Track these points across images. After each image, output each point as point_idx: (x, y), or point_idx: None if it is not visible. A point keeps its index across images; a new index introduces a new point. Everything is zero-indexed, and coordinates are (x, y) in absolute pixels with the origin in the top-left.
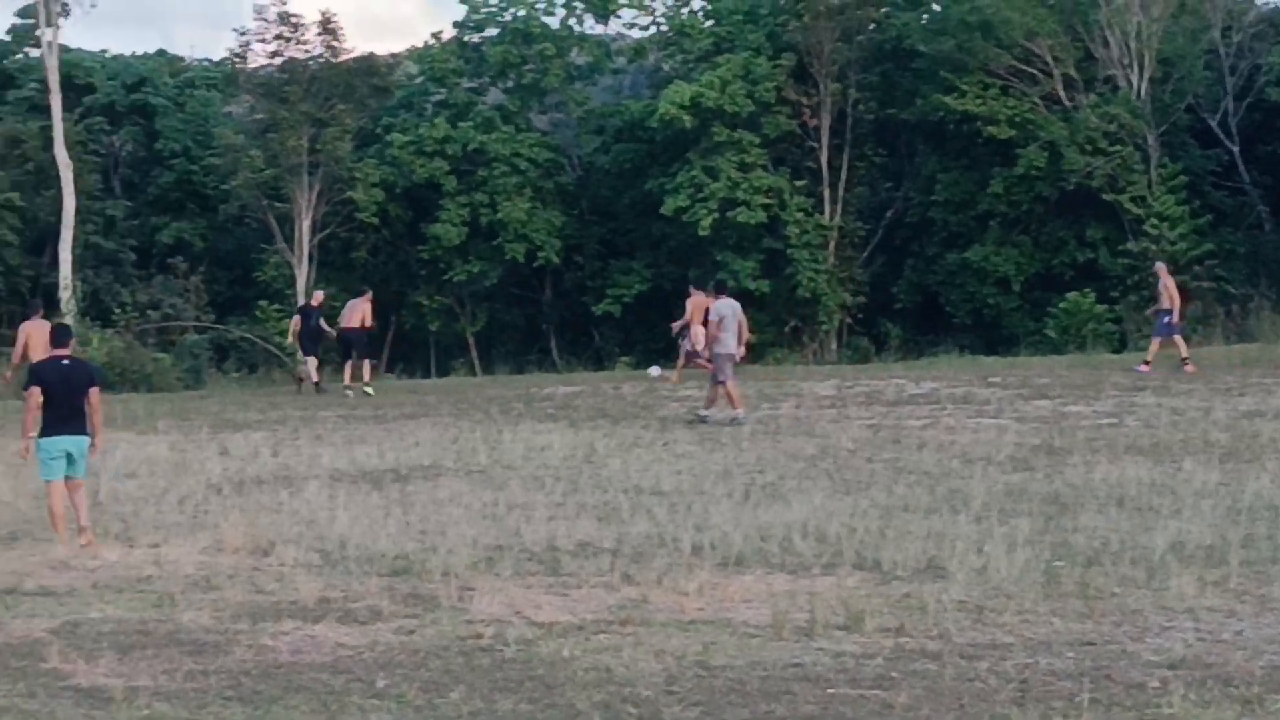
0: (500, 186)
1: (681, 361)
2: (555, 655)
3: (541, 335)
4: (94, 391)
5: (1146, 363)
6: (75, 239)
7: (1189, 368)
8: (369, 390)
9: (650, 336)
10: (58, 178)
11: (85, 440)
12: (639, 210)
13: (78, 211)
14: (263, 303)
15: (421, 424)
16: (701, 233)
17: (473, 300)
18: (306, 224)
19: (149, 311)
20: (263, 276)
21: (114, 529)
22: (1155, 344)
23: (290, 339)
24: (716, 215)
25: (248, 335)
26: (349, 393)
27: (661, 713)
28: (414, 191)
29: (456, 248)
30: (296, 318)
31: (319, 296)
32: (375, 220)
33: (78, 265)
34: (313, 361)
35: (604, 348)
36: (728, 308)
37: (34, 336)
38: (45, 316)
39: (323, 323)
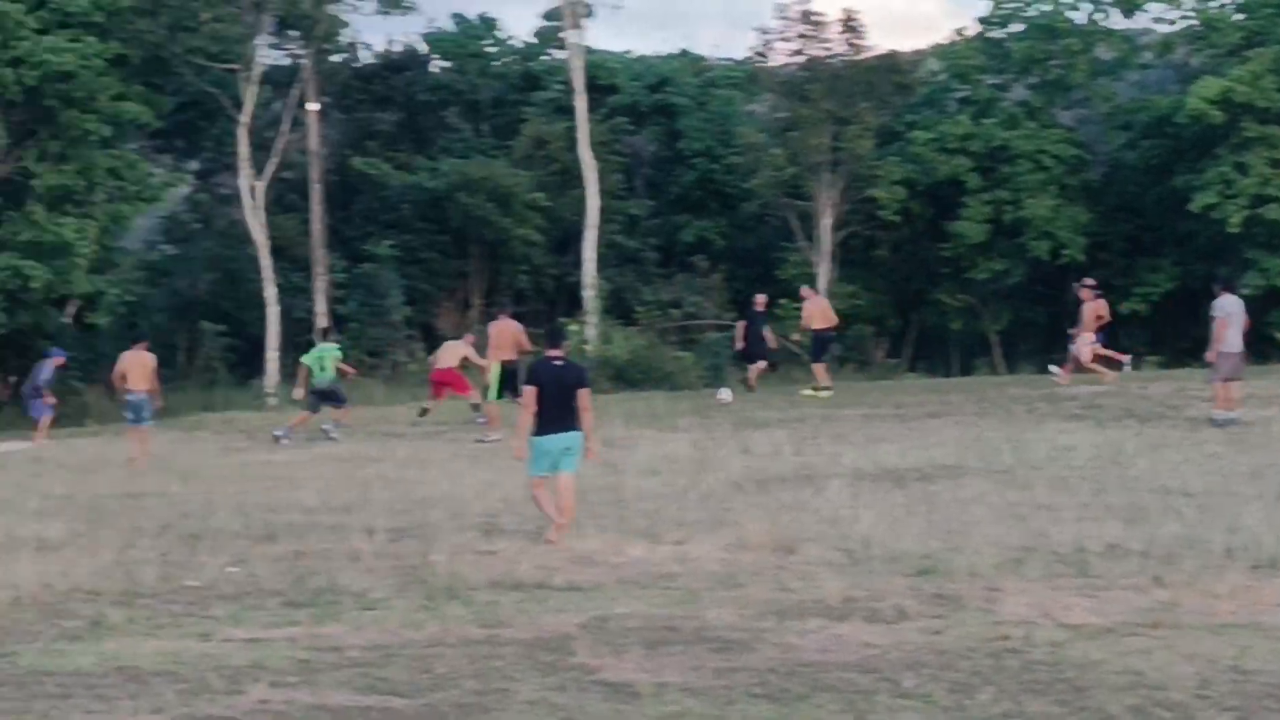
0: (1024, 183)
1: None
2: (1085, 658)
3: (1064, 334)
4: (583, 393)
5: None
6: (599, 238)
7: None
8: None
9: (1177, 335)
10: (582, 178)
11: (577, 435)
12: (1165, 207)
13: (601, 211)
14: (783, 301)
15: (944, 423)
16: (1230, 230)
17: (995, 298)
18: (827, 222)
19: (670, 310)
20: (783, 275)
21: (638, 526)
22: None
23: (739, 344)
24: (1246, 212)
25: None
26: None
27: (1195, 717)
28: (935, 189)
29: (979, 245)
30: (743, 323)
31: (762, 300)
32: (897, 218)
33: (601, 264)
34: (755, 367)
35: (1130, 347)
36: (1234, 305)
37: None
38: (564, 315)
39: (767, 330)
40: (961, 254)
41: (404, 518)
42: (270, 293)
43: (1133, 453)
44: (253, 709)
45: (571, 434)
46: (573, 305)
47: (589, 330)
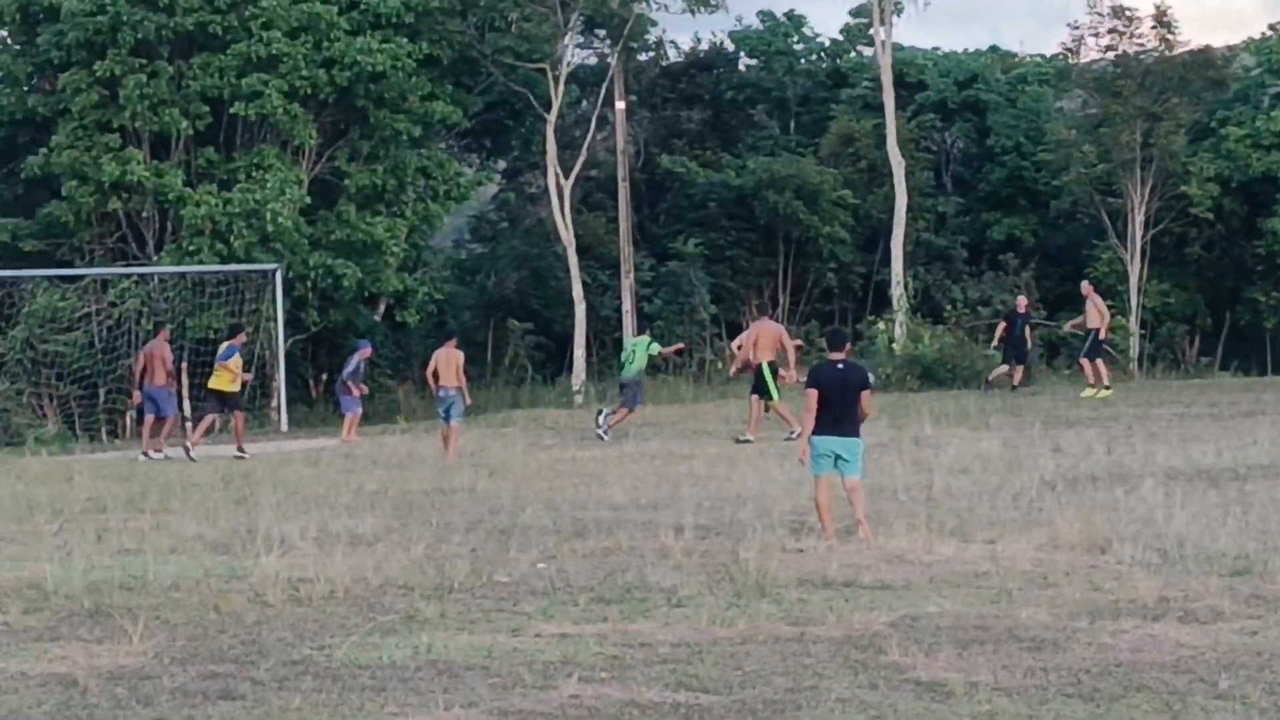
0: None
1: None
2: None
3: None
4: (865, 395)
5: None
6: (906, 236)
7: None
8: None
9: None
10: (889, 175)
11: (856, 442)
12: None
13: (909, 208)
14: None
15: (1259, 422)
16: None
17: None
18: (1138, 219)
19: (979, 308)
20: (1094, 273)
21: (948, 524)
22: None
23: (996, 343)
24: None
25: (1076, 331)
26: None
27: None
28: (1249, 185)
29: None
30: (1004, 323)
31: (1024, 302)
32: (1209, 215)
33: (909, 262)
34: (1014, 369)
35: None
36: None
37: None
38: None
39: (1028, 330)
40: (1276, 251)
41: (713, 515)
42: (577, 291)
43: None
44: (564, 704)
45: (849, 440)
46: (880, 303)
47: (897, 328)
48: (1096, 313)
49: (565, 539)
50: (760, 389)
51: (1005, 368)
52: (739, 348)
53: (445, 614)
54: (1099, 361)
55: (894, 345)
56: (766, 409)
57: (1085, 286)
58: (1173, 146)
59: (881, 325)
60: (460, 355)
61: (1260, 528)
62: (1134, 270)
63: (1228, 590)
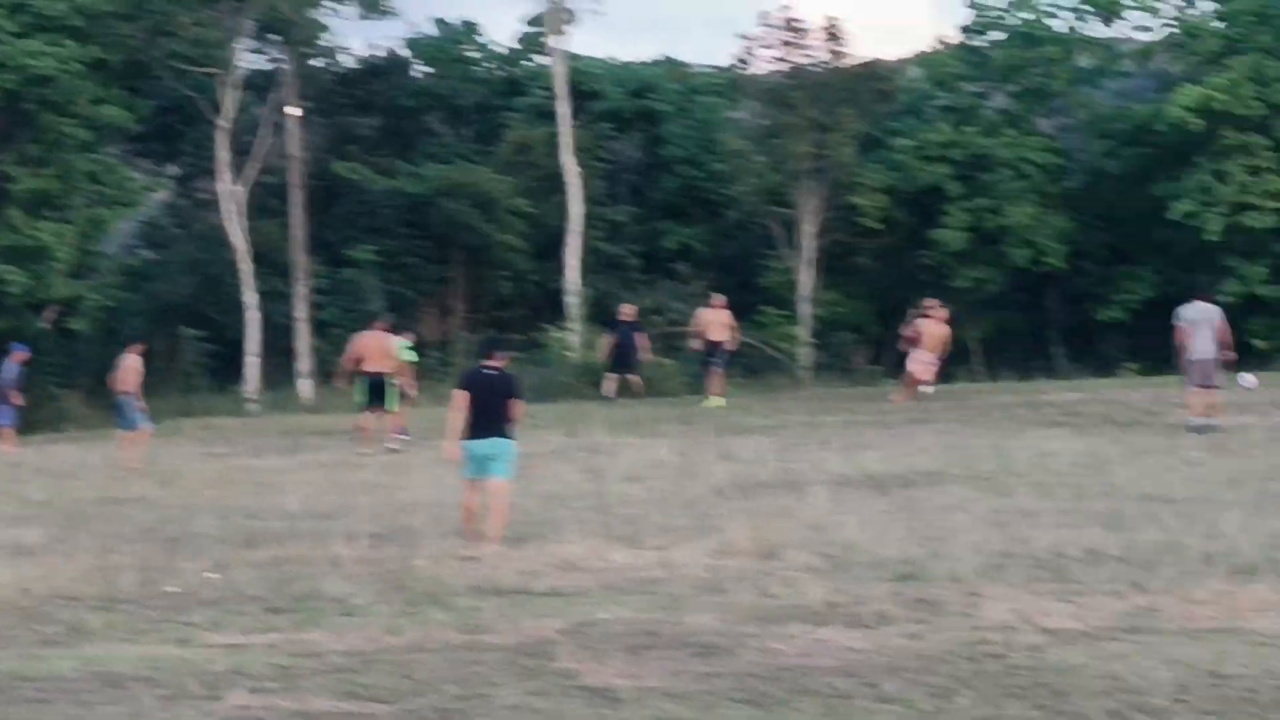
0: (1004, 191)
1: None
2: (1064, 663)
3: (1045, 341)
4: (513, 402)
5: None
6: (581, 245)
7: None
8: None
9: (1157, 343)
10: (564, 184)
11: (505, 443)
12: (1145, 215)
13: (584, 217)
14: (766, 308)
15: (926, 430)
16: (1209, 237)
17: (976, 306)
18: (809, 229)
19: (653, 317)
20: (766, 282)
21: (621, 531)
22: None
23: (603, 354)
24: (1225, 220)
25: (751, 341)
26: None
27: None
28: (917, 196)
29: (959, 253)
30: (609, 335)
31: (629, 310)
32: (878, 226)
33: (584, 270)
34: (617, 378)
35: (1109, 354)
36: (1196, 312)
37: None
38: (547, 321)
39: (636, 338)
40: (942, 261)
41: (386, 523)
42: (250, 298)
43: (1113, 459)
44: (232, 714)
45: (498, 441)
46: (555, 311)
47: (572, 336)
48: (715, 325)
49: (236, 548)
50: (376, 399)
51: (633, 376)
52: (358, 360)
53: (112, 625)
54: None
55: (569, 353)
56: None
57: (716, 299)
58: (842, 158)
59: (556, 334)
60: (137, 361)
61: (926, 533)
62: (804, 279)
63: (894, 595)
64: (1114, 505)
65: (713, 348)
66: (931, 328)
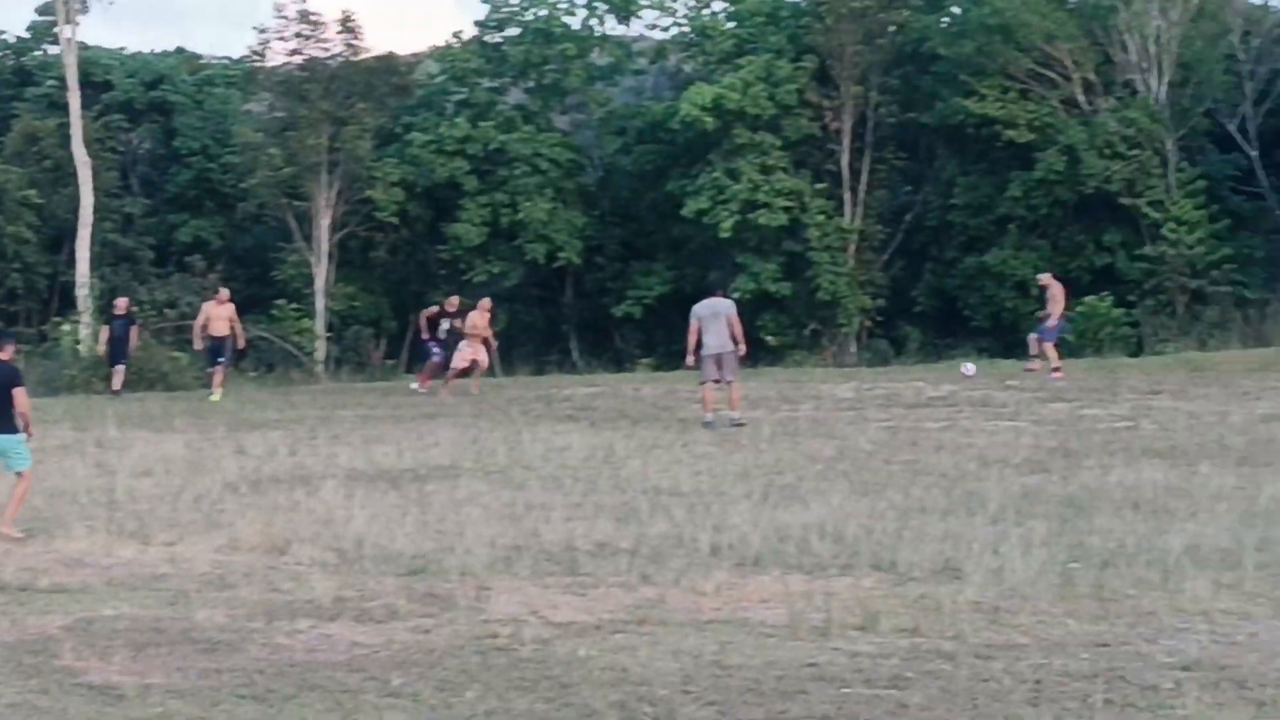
0: (521, 187)
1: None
2: (571, 655)
3: (561, 336)
4: (18, 392)
5: (1055, 369)
6: (93, 236)
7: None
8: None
9: (670, 338)
10: (75, 175)
11: (12, 438)
12: (660, 212)
13: (96, 209)
14: (281, 302)
15: (440, 424)
16: (722, 235)
17: (492, 301)
18: (325, 223)
19: (166, 310)
20: (281, 275)
21: (129, 527)
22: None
23: (101, 348)
24: (737, 217)
25: (265, 334)
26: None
27: (677, 712)
28: (434, 191)
29: (476, 248)
30: (107, 327)
31: (122, 303)
32: (395, 220)
33: (95, 263)
34: (117, 371)
35: (624, 349)
36: (705, 309)
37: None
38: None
39: (132, 331)
40: (459, 256)
41: None
42: None
43: (625, 453)
44: None
45: (5, 436)
46: (66, 304)
47: (83, 330)
48: (216, 320)
49: None
50: None
51: (120, 368)
52: None
53: None
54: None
55: (79, 347)
56: None
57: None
58: (358, 151)
59: (66, 326)
60: None
61: (437, 527)
62: (320, 273)
63: (403, 589)
64: (625, 499)
65: (217, 343)
66: (477, 319)
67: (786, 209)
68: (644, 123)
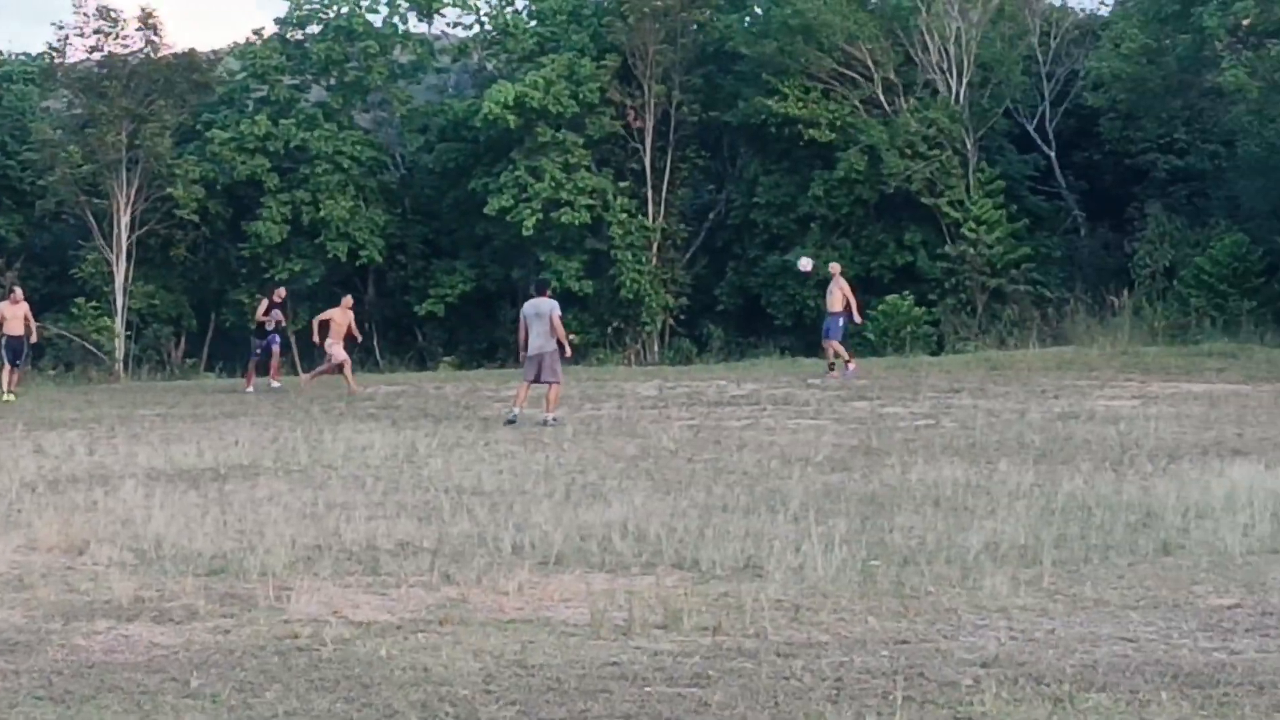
0: (322, 184)
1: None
2: (373, 655)
3: (364, 334)
4: None
5: (848, 362)
6: None
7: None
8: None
9: (473, 336)
10: None
11: None
12: (462, 210)
13: None
14: (80, 300)
15: (241, 423)
16: (525, 233)
17: (294, 299)
18: (125, 220)
19: None
20: (80, 273)
21: None
22: (834, 345)
23: None
24: (540, 215)
25: (64, 333)
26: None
27: (478, 711)
28: (235, 188)
29: (278, 245)
30: None
31: None
32: (195, 217)
33: None
34: None
35: (427, 348)
36: (528, 308)
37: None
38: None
39: None
40: (260, 254)
41: None
42: None
43: (427, 452)
44: None
45: None
46: None
47: None
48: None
49: None
50: None
51: None
52: None
53: None
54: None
55: None
56: None
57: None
58: (158, 148)
59: None
60: None
61: (238, 527)
62: (120, 271)
63: (203, 589)
64: (427, 498)
65: (15, 342)
66: (339, 316)
67: (589, 207)
68: (446, 121)
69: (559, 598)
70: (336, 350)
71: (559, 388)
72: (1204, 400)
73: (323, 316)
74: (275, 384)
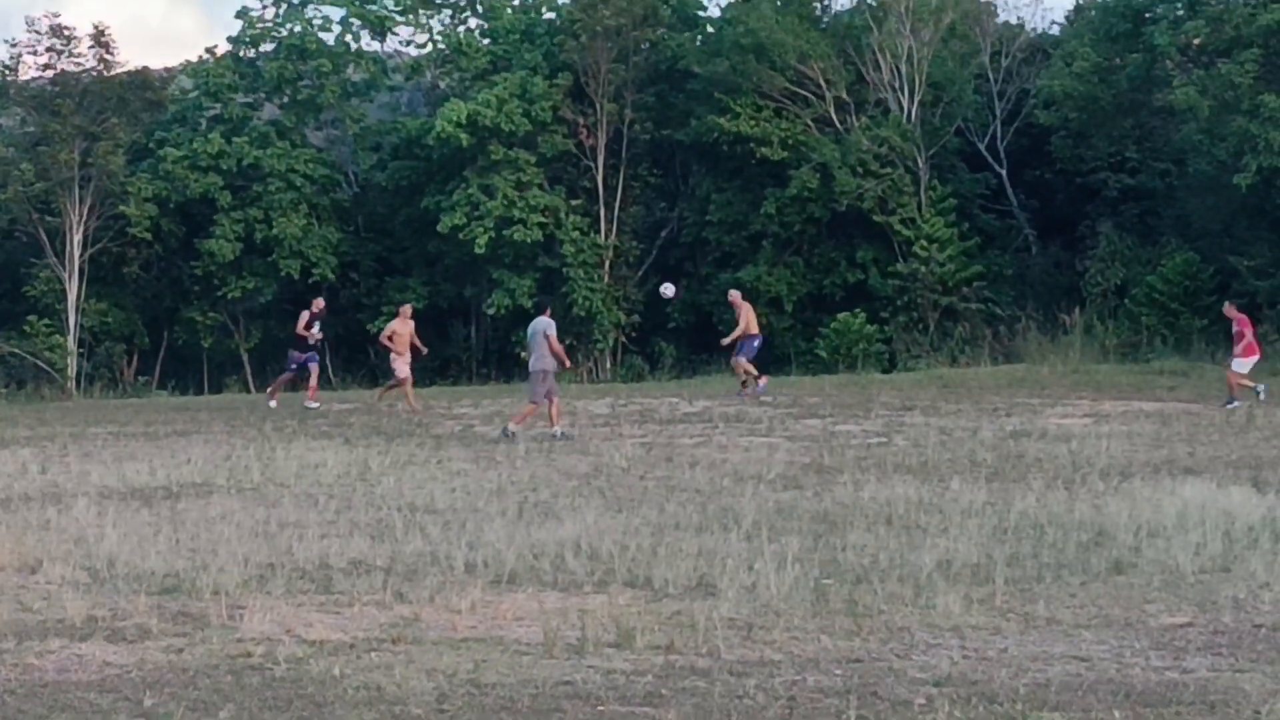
0: (275, 202)
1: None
2: (326, 674)
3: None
4: None
5: (758, 379)
6: None
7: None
8: None
9: (429, 356)
10: None
11: None
12: (415, 227)
13: None
14: (32, 318)
15: (194, 441)
16: (478, 250)
17: (247, 317)
18: (78, 238)
19: None
20: (33, 291)
21: None
22: (743, 364)
23: None
24: (493, 233)
25: (16, 350)
26: None
27: None
28: (188, 206)
29: (230, 264)
30: None
31: None
32: (148, 235)
33: None
34: None
35: (380, 365)
36: (530, 328)
37: None
38: None
39: None
40: (213, 272)
41: None
42: None
43: (379, 470)
44: None
45: None
46: None
47: None
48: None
49: None
50: None
51: None
52: None
53: None
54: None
55: None
56: None
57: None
58: (111, 166)
59: None
60: None
61: (190, 545)
62: (72, 289)
63: (156, 608)
64: (380, 516)
65: None
66: (400, 326)
67: (541, 225)
68: (399, 139)
69: (512, 616)
70: (400, 366)
71: (535, 409)
72: (1156, 419)
73: (388, 331)
74: (312, 404)
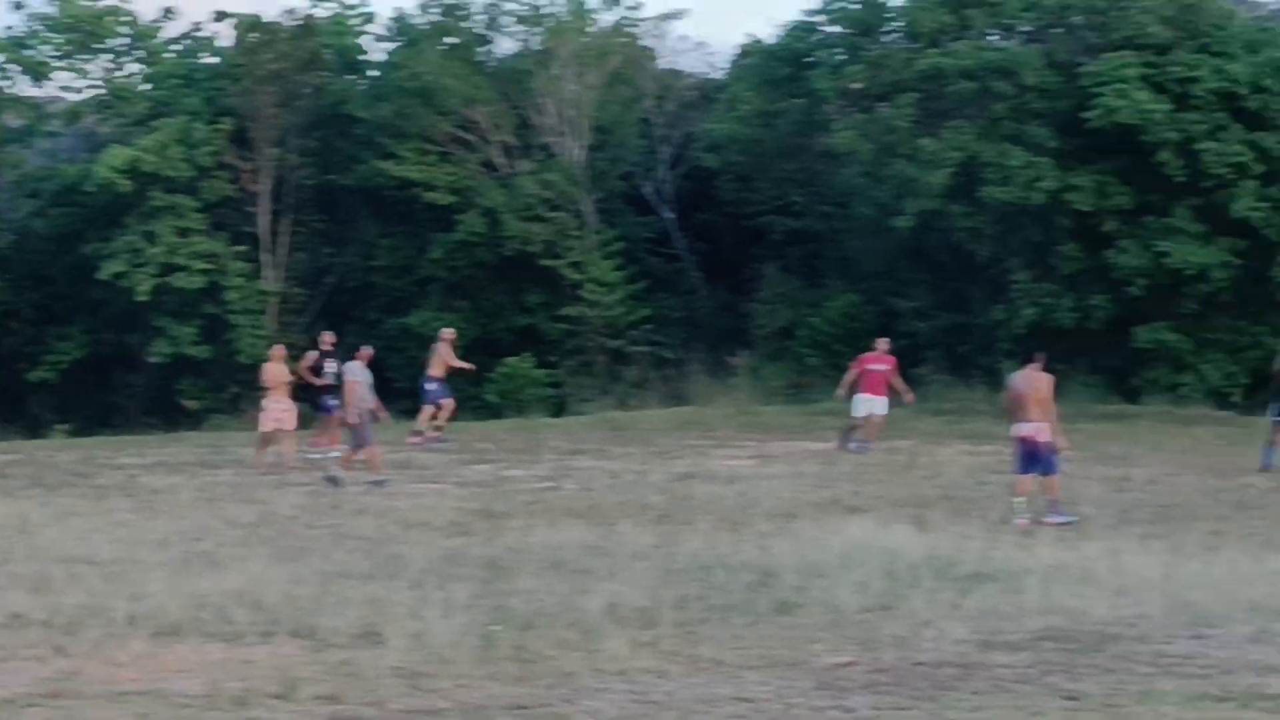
0: None
1: None
2: None
3: None
4: None
5: (436, 430)
6: None
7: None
8: None
9: (88, 403)
10: None
11: None
12: (76, 275)
13: None
14: None
15: None
16: (140, 298)
17: None
18: None
19: None
20: None
21: None
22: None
23: None
24: (155, 280)
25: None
26: None
27: None
28: None
29: None
30: None
31: None
32: None
33: None
34: None
35: (40, 415)
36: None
37: None
38: None
39: None
40: None
41: None
42: None
43: (40, 521)
44: None
45: None
46: None
47: None
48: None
49: None
50: None
51: None
52: None
53: None
54: None
55: None
56: None
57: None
58: None
59: None
60: None
61: None
62: None
63: None
64: (39, 568)
65: None
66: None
67: (205, 271)
68: (58, 185)
69: (174, 668)
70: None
71: (375, 449)
72: (821, 459)
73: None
74: (316, 454)
